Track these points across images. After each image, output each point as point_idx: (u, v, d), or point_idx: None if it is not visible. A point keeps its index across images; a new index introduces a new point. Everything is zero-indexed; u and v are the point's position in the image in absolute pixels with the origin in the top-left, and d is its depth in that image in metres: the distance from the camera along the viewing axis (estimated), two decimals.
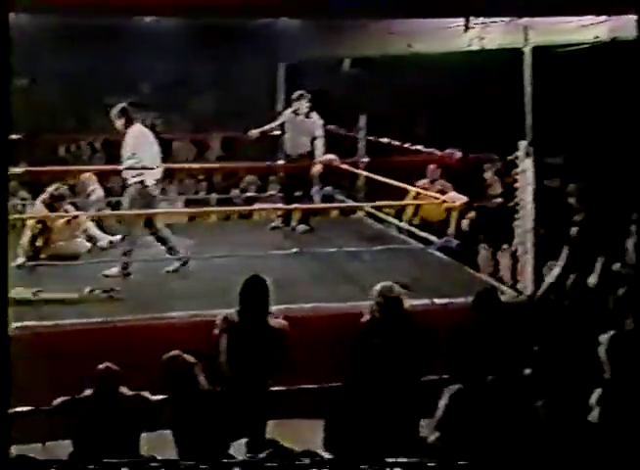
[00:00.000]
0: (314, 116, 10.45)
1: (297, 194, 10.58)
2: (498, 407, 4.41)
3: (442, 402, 4.01)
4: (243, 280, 6.36)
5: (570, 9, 7.55)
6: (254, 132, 10.98)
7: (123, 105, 8.84)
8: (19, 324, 7.03)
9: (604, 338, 4.48)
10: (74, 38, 9.93)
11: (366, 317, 6.41)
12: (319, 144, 10.34)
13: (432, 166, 10.53)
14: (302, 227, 10.49)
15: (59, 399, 5.76)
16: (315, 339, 6.81)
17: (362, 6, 7.23)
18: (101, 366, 5.69)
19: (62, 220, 9.26)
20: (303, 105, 10.44)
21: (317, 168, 10.43)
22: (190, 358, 5.93)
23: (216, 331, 6.27)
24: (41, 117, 12.14)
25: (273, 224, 10.70)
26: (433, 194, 9.77)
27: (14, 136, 10.79)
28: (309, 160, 10.35)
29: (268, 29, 11.02)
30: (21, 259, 8.76)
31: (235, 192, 13.10)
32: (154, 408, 5.86)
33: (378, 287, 6.35)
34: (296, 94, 10.54)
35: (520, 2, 7.37)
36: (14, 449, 5.41)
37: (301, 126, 10.45)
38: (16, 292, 7.71)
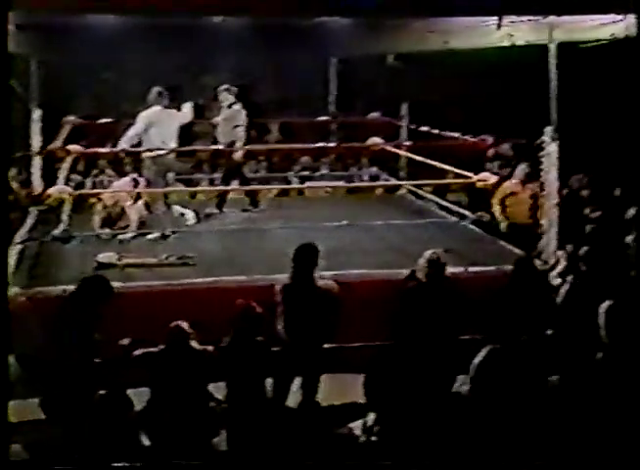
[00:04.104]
0: (237, 106, 9.89)
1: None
2: (527, 365, 4.21)
3: (477, 359, 3.84)
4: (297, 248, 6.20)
5: (589, 9, 7.36)
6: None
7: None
8: None
9: (602, 307, 4.31)
10: (152, 36, 9.84)
11: (411, 281, 6.31)
12: (238, 132, 9.78)
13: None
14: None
15: (137, 352, 5.66)
16: (364, 301, 6.67)
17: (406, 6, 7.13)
18: (172, 324, 5.58)
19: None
20: (227, 97, 9.90)
21: (238, 155, 9.88)
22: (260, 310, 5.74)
23: (277, 298, 6.08)
24: (123, 104, 12.09)
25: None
26: (467, 173, 9.50)
27: (106, 120, 10.85)
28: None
29: (322, 27, 10.82)
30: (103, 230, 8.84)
31: (289, 172, 12.90)
32: (218, 361, 5.72)
33: (426, 254, 6.27)
34: (221, 87, 9.99)
35: (546, 3, 7.16)
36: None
37: (226, 116, 9.92)
38: (102, 257, 7.73)
